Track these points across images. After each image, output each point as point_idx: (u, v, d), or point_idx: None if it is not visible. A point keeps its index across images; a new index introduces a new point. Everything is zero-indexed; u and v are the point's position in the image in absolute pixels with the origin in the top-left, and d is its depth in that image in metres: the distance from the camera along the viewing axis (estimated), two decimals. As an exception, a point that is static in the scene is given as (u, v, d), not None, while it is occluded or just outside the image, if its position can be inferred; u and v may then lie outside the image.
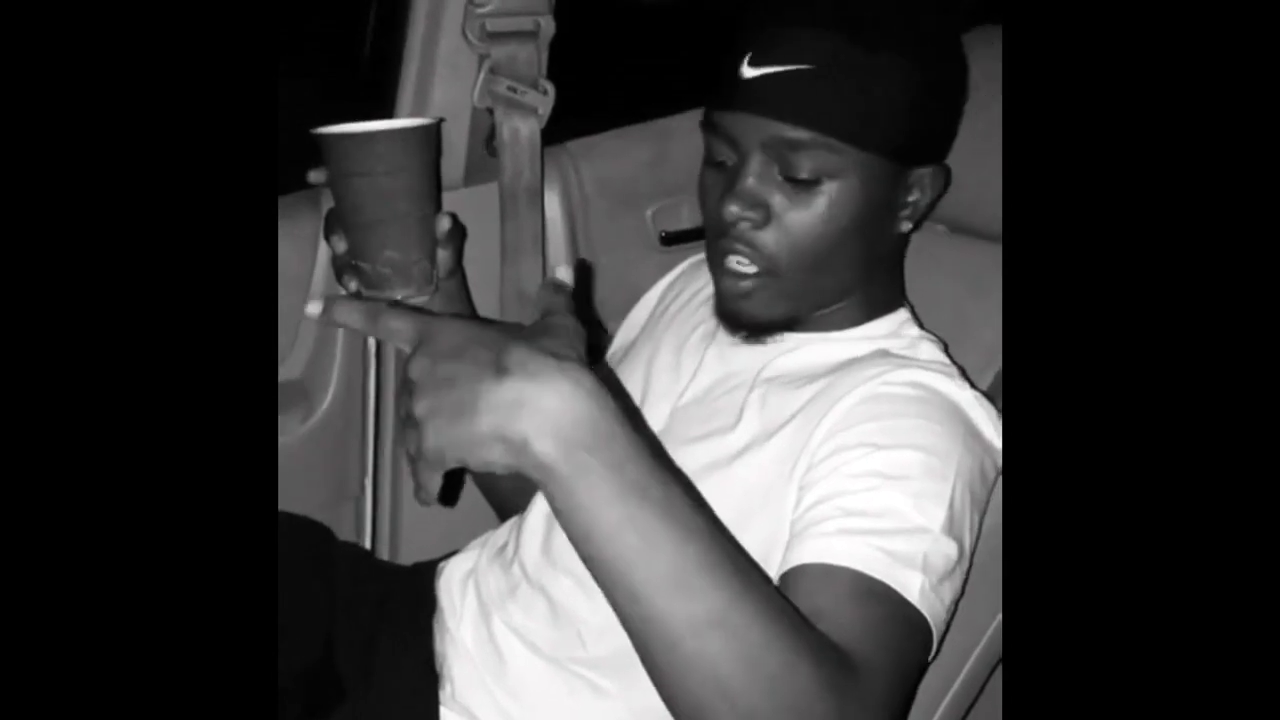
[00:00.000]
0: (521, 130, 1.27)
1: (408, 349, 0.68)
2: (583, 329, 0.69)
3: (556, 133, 1.33)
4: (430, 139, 0.95)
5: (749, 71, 0.90)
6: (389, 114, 1.29)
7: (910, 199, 0.97)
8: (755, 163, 0.91)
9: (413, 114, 1.27)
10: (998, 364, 1.11)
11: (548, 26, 1.26)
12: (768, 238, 0.93)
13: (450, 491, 0.70)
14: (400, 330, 0.69)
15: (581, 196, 1.43)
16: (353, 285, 0.97)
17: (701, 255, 1.20)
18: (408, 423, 0.66)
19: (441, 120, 1.02)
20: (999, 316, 1.11)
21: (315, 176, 0.99)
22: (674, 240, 1.49)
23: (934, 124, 0.98)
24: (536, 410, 0.62)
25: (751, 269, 0.94)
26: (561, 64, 1.28)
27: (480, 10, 1.22)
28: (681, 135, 1.48)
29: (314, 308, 0.72)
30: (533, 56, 1.26)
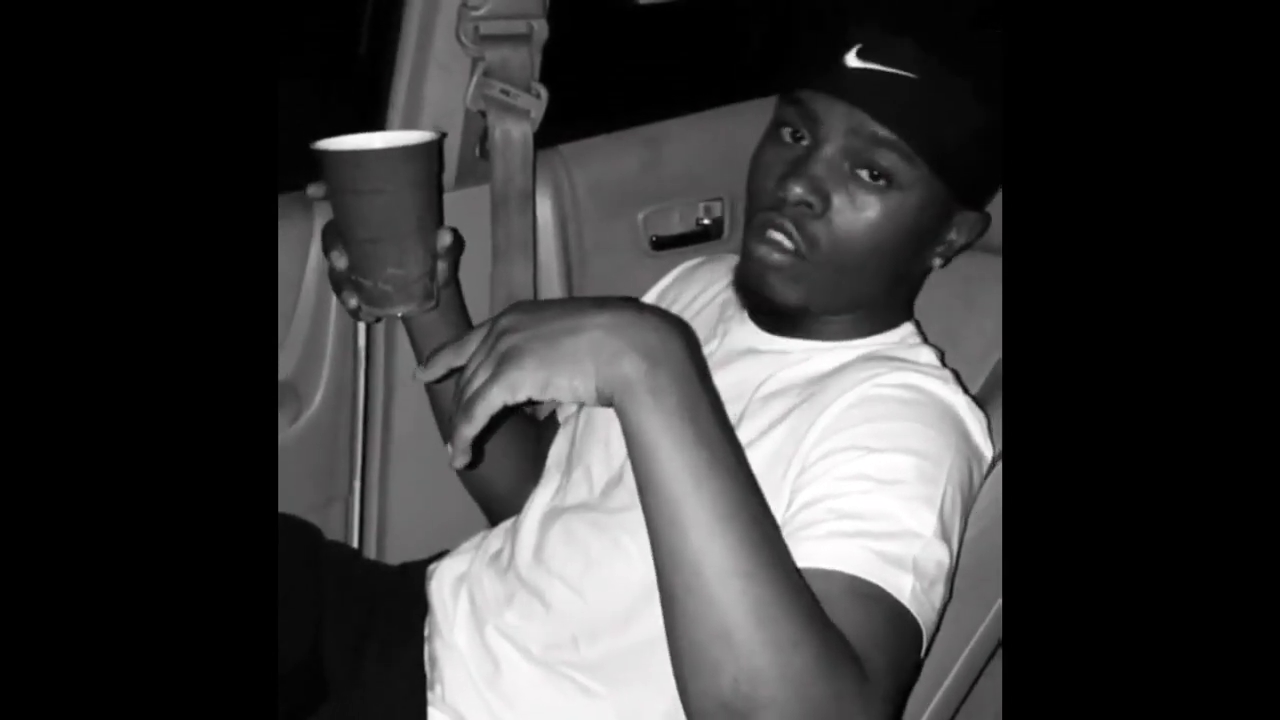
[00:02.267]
0: (514, 133, 1.27)
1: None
2: None
3: (549, 136, 1.33)
4: (431, 154, 0.95)
5: (855, 62, 0.90)
6: (382, 116, 1.28)
7: (950, 236, 0.98)
8: (831, 150, 0.92)
9: (406, 116, 1.27)
10: (986, 370, 1.12)
11: (541, 30, 1.26)
12: (818, 228, 0.93)
13: (478, 451, 0.76)
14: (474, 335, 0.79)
15: (573, 200, 1.43)
16: (352, 302, 0.97)
17: (695, 261, 1.21)
18: (480, 361, 0.75)
19: (443, 135, 1.01)
20: (988, 326, 1.12)
21: (314, 191, 0.98)
22: (665, 245, 1.49)
23: (992, 169, 0.98)
24: (634, 332, 0.73)
25: (789, 245, 0.94)
26: (554, 68, 1.28)
27: (474, 13, 1.22)
28: (674, 140, 1.48)
29: (460, 461, 0.77)
30: (526, 60, 1.26)
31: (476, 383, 0.74)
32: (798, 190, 0.91)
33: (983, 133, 0.92)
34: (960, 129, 0.91)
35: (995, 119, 0.92)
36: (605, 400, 0.73)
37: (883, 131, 0.90)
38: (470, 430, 0.74)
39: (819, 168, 0.92)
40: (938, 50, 0.90)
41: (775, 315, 1.00)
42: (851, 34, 0.92)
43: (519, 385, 0.73)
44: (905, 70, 0.90)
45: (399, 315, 0.98)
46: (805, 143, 0.94)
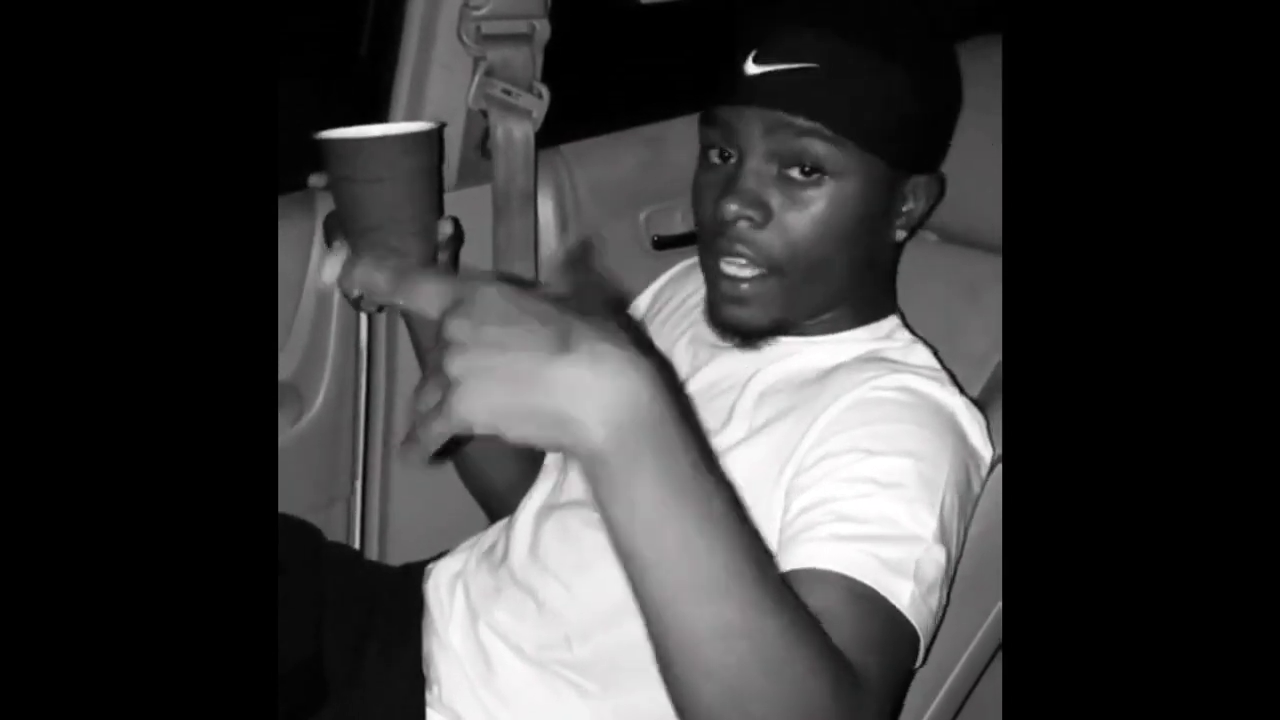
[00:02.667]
0: (515, 133, 1.27)
1: (435, 315, 0.62)
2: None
3: (550, 136, 1.33)
4: (432, 144, 0.95)
5: (753, 68, 0.91)
6: (384, 116, 1.28)
7: (906, 207, 0.98)
8: (755, 160, 0.92)
9: (408, 116, 1.27)
10: (988, 373, 1.12)
11: (543, 30, 1.26)
12: (767, 237, 0.92)
13: (445, 453, 0.67)
14: (434, 292, 0.63)
15: (574, 200, 1.43)
16: (355, 292, 0.97)
17: (691, 260, 1.21)
18: (434, 378, 0.62)
19: (443, 125, 1.01)
20: (990, 325, 1.12)
21: (315, 180, 0.99)
22: (666, 245, 1.49)
23: (930, 132, 0.99)
24: (599, 396, 0.59)
25: (749, 272, 0.94)
26: (556, 67, 1.28)
27: (475, 13, 1.22)
28: (675, 140, 1.48)
29: (330, 272, 0.71)
30: (528, 59, 1.26)
31: (427, 402, 0.62)
32: (733, 207, 0.91)
33: (908, 96, 0.92)
34: (880, 100, 0.91)
35: (917, 78, 0.92)
36: (572, 460, 0.66)
37: (799, 122, 0.90)
38: (422, 453, 0.62)
39: (749, 180, 0.92)
40: (841, 32, 0.91)
41: (754, 334, 0.99)
42: (747, 39, 0.92)
43: (468, 424, 0.60)
44: (804, 62, 0.90)
45: (400, 305, 0.98)
46: (732, 159, 0.94)
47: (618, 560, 0.64)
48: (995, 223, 1.01)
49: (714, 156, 0.96)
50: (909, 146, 0.95)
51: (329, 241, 0.98)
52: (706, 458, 0.64)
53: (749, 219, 0.92)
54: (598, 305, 0.67)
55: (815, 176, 0.91)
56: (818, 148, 0.90)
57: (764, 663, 0.64)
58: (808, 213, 0.92)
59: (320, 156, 0.95)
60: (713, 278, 0.97)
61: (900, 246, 1.02)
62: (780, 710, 0.65)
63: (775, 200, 0.92)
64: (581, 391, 0.59)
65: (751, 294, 0.95)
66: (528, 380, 0.59)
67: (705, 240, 0.97)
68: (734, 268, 0.94)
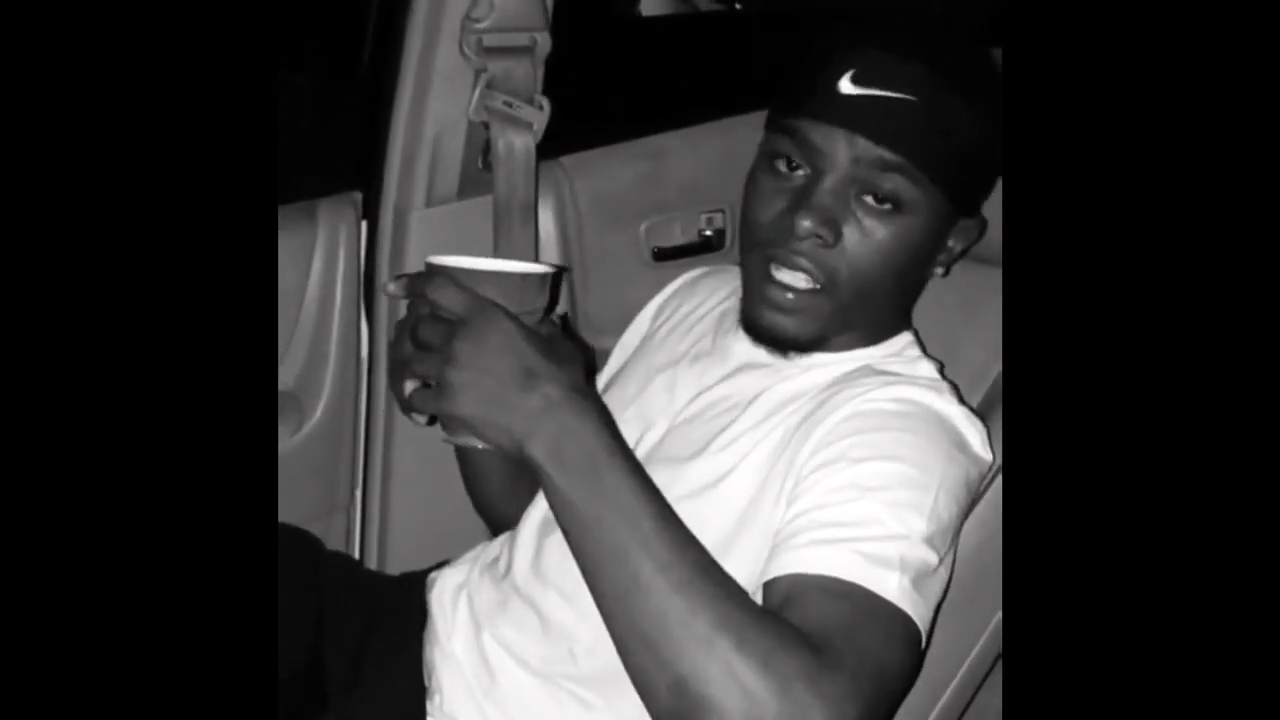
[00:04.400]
0: (516, 145, 1.27)
1: (449, 306, 0.82)
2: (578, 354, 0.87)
3: (551, 148, 1.33)
4: (541, 288, 0.88)
5: (850, 89, 0.89)
6: (385, 128, 1.29)
7: (950, 245, 0.98)
8: (834, 180, 0.91)
9: (409, 128, 1.28)
10: (987, 383, 1.12)
11: (544, 43, 1.27)
12: (831, 258, 0.91)
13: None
14: (455, 301, 0.82)
15: (575, 211, 1.43)
16: (409, 386, 0.86)
17: (697, 272, 1.21)
18: (426, 366, 0.82)
19: (562, 269, 0.96)
20: (990, 338, 1.12)
21: (394, 290, 0.89)
22: (667, 256, 1.49)
23: (989, 175, 0.99)
24: (544, 425, 0.80)
25: (803, 284, 0.93)
26: (557, 80, 1.28)
27: (477, 25, 1.22)
28: (675, 152, 1.49)
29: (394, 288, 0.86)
30: (529, 72, 1.26)
31: (413, 385, 0.84)
32: (807, 224, 0.90)
33: (979, 143, 0.92)
34: (959, 144, 0.91)
35: (988, 127, 0.92)
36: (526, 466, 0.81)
37: (888, 155, 0.89)
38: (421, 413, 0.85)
39: (826, 198, 0.90)
40: (933, 67, 0.90)
41: (790, 345, 0.98)
42: (843, 59, 0.91)
43: (451, 419, 0.82)
44: (903, 93, 0.89)
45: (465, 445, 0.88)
46: (803, 172, 0.92)
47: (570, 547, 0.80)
48: (991, 235, 1.01)
49: (781, 165, 0.94)
50: (969, 189, 0.96)
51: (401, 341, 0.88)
52: (635, 473, 0.80)
53: (821, 237, 0.90)
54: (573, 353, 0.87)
55: (889, 207, 0.91)
56: (899, 181, 0.90)
57: (672, 615, 0.75)
58: (874, 241, 0.91)
59: (423, 278, 0.85)
60: (759, 280, 0.95)
61: (928, 279, 1.03)
62: (702, 671, 0.73)
63: (847, 224, 0.91)
64: (533, 419, 0.80)
65: (799, 305, 0.94)
66: (499, 403, 0.80)
67: (758, 243, 0.95)
68: (790, 277, 0.93)
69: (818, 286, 0.93)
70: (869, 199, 0.91)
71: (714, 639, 0.73)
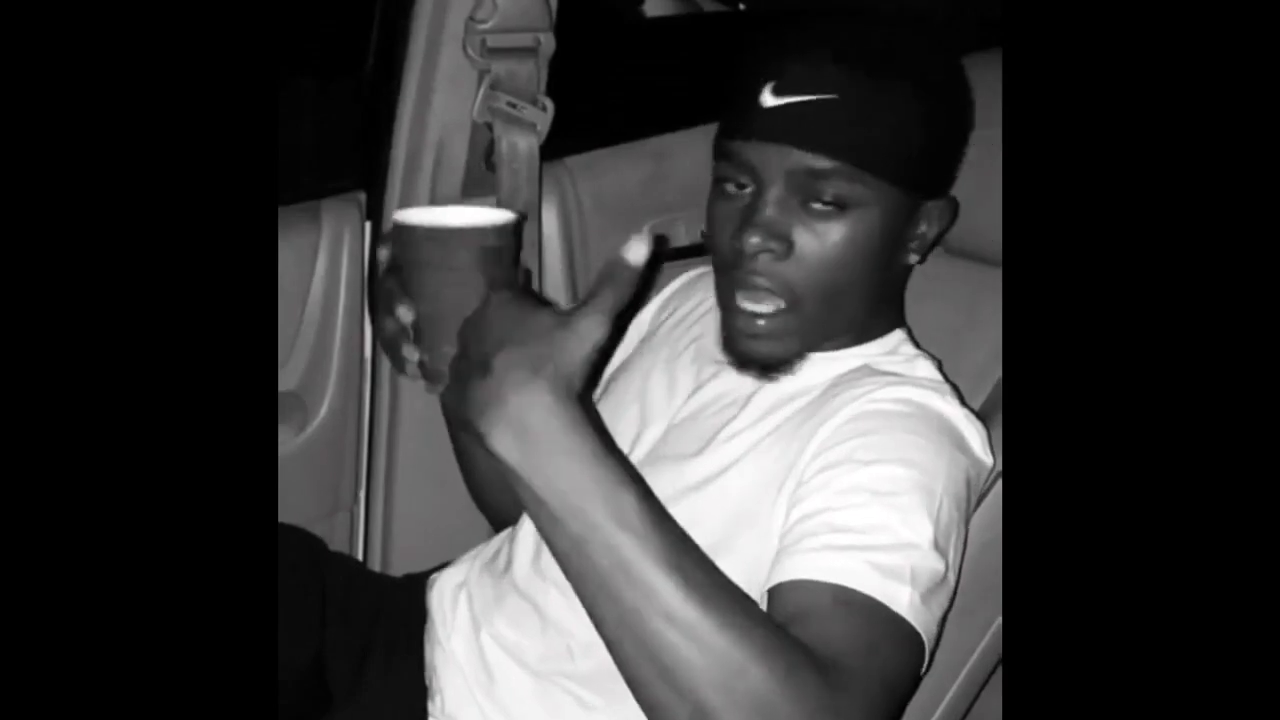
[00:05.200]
0: (520, 145, 1.28)
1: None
2: (603, 329, 0.75)
3: (554, 149, 1.33)
4: (507, 236, 0.90)
5: (771, 100, 0.90)
6: (389, 128, 1.29)
7: (920, 231, 0.98)
8: (775, 192, 0.90)
9: (413, 128, 1.28)
10: (989, 386, 1.12)
11: (548, 43, 1.27)
12: (788, 269, 0.92)
13: None
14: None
15: (578, 212, 1.43)
16: (415, 355, 0.89)
17: (697, 271, 1.21)
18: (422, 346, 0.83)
19: (523, 217, 0.97)
20: (991, 338, 1.12)
21: (383, 254, 0.92)
22: (669, 257, 1.49)
23: (945, 157, 0.99)
24: (498, 414, 0.72)
25: (768, 307, 0.93)
26: (560, 81, 1.28)
27: (480, 26, 1.23)
28: (678, 153, 1.49)
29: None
30: (532, 73, 1.26)
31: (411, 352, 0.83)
32: (754, 240, 0.90)
33: (922, 123, 0.92)
34: (900, 130, 0.91)
35: (930, 105, 0.92)
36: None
37: (820, 163, 0.89)
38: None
39: (770, 211, 0.90)
40: (851, 61, 0.90)
41: (772, 368, 0.98)
42: (762, 72, 0.91)
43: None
44: (823, 93, 0.89)
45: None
46: (749, 189, 0.93)
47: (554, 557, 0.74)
48: (993, 236, 1.01)
49: (729, 187, 0.94)
50: (924, 173, 0.95)
51: (392, 309, 0.89)
52: (615, 460, 0.74)
53: (770, 251, 0.91)
54: (587, 324, 0.75)
55: (834, 209, 0.91)
56: (840, 184, 0.89)
57: (692, 643, 0.69)
58: (828, 243, 0.91)
59: (397, 237, 0.89)
60: (729, 310, 0.96)
61: (910, 268, 1.03)
62: (723, 694, 0.69)
63: (796, 232, 0.91)
64: (487, 408, 0.73)
65: (769, 330, 0.94)
66: (465, 398, 0.75)
67: (723, 271, 0.96)
68: (752, 303, 0.93)
69: (783, 304, 0.93)
70: (815, 205, 0.90)
71: (744, 666, 0.69)
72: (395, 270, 0.87)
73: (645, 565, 0.70)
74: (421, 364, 0.91)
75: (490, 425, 0.72)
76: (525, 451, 0.72)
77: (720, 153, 0.95)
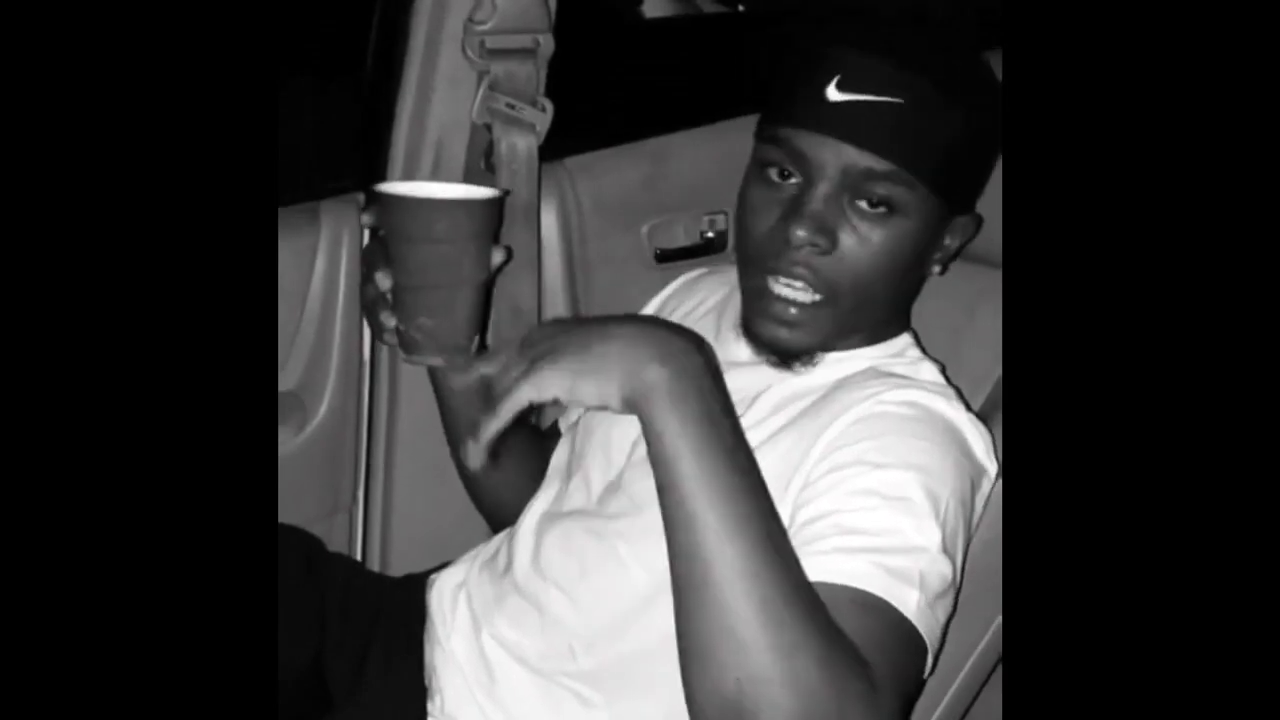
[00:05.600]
0: (519, 146, 1.27)
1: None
2: None
3: (553, 149, 1.33)
4: (489, 213, 0.92)
5: (836, 95, 0.89)
6: (388, 129, 1.29)
7: (946, 243, 0.98)
8: (826, 187, 0.90)
9: (412, 129, 1.28)
10: (988, 387, 1.12)
11: (546, 44, 1.27)
12: (828, 265, 0.91)
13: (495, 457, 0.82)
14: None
15: (578, 213, 1.43)
16: (391, 322, 0.94)
17: (696, 273, 1.21)
18: (512, 367, 0.81)
19: (506, 193, 0.97)
20: (990, 340, 1.12)
21: (367, 219, 0.97)
22: (669, 258, 1.49)
23: (982, 173, 0.99)
24: (659, 342, 0.78)
25: (805, 297, 0.93)
26: (560, 82, 1.28)
27: (479, 27, 1.23)
28: (677, 154, 1.49)
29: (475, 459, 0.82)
30: (531, 74, 1.26)
31: (506, 382, 0.79)
32: (802, 233, 0.90)
33: (968, 140, 0.92)
34: (948, 143, 0.91)
35: (977, 122, 0.92)
36: (629, 406, 0.77)
37: (878, 164, 0.89)
38: (496, 425, 0.79)
39: (819, 205, 0.90)
40: (917, 67, 0.89)
41: (794, 356, 0.99)
42: (828, 64, 0.90)
43: (546, 385, 0.77)
44: (889, 96, 0.89)
45: (426, 365, 0.96)
46: (795, 180, 0.92)
47: (660, 496, 0.77)
48: (992, 238, 1.01)
49: (773, 174, 0.93)
50: (961, 188, 0.96)
51: (372, 273, 0.93)
52: (739, 425, 0.80)
53: (817, 245, 0.90)
54: None
55: (882, 211, 0.91)
56: (891, 187, 0.90)
57: (765, 611, 0.72)
58: (870, 245, 0.91)
59: (379, 208, 0.92)
60: (759, 293, 0.95)
61: (925, 278, 1.03)
62: (775, 665, 0.71)
63: (842, 230, 0.91)
64: (644, 337, 0.78)
65: (801, 319, 0.94)
66: (600, 337, 0.78)
67: (756, 255, 0.95)
68: (790, 290, 0.93)
69: (819, 298, 0.93)
70: (862, 204, 0.91)
71: (802, 647, 0.72)
72: (382, 237, 0.88)
73: (749, 522, 0.75)
74: (398, 331, 0.93)
75: (651, 351, 0.77)
76: (682, 380, 0.76)
77: (768, 138, 0.94)
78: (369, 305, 0.96)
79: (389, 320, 0.94)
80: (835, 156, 0.90)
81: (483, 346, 0.97)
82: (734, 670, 0.72)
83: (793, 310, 0.94)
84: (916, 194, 0.91)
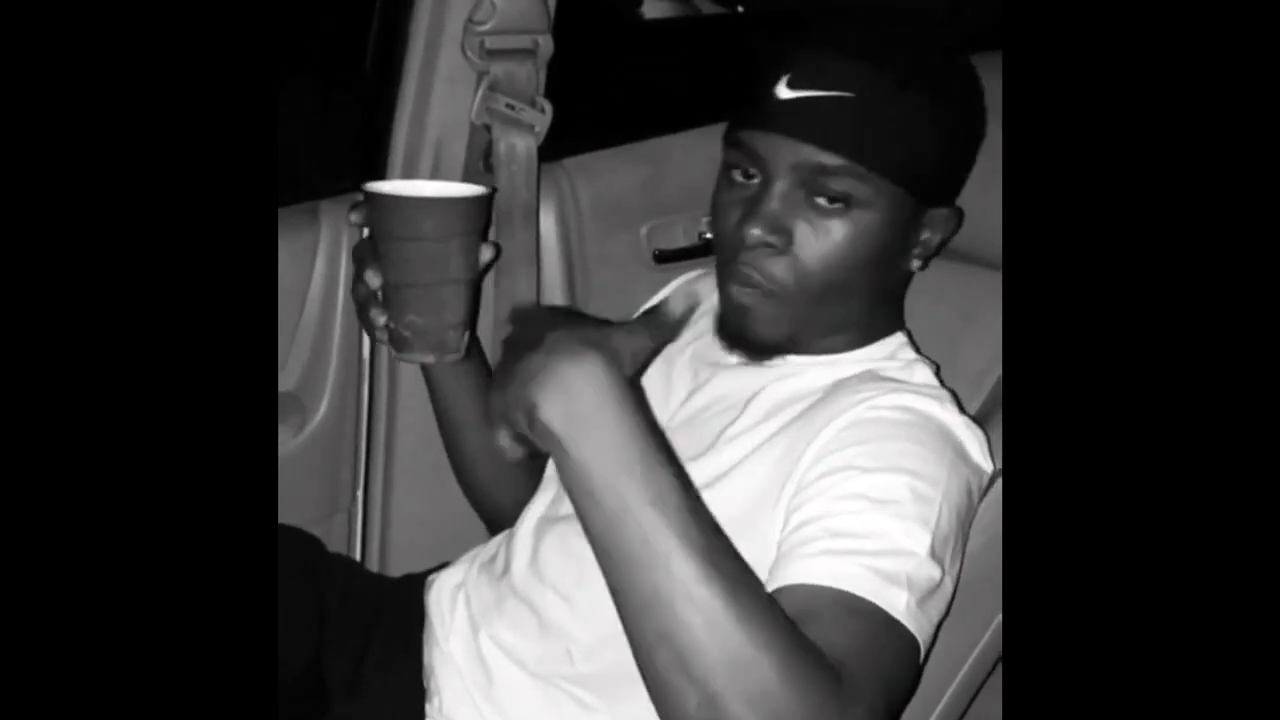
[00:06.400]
0: (518, 147, 1.27)
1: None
2: (648, 342, 0.81)
3: (553, 150, 1.33)
4: (474, 211, 0.93)
5: (786, 93, 0.90)
6: (388, 129, 1.29)
7: (924, 237, 0.98)
8: (782, 185, 0.91)
9: (411, 130, 1.28)
10: (986, 389, 1.12)
11: (546, 45, 1.27)
12: (784, 264, 0.92)
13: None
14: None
15: (576, 214, 1.43)
16: (381, 320, 0.95)
17: (693, 274, 1.21)
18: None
19: (493, 191, 0.97)
20: (989, 342, 1.12)
21: (355, 218, 0.97)
22: (667, 259, 1.49)
23: (955, 167, 0.99)
24: (549, 381, 0.73)
25: (759, 295, 0.93)
26: (559, 82, 1.28)
27: (479, 28, 1.23)
28: (676, 155, 1.49)
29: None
30: (531, 74, 1.26)
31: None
32: (756, 232, 0.90)
33: (938, 132, 0.92)
34: (911, 133, 0.91)
35: (941, 111, 0.92)
36: (543, 446, 0.75)
37: (829, 159, 0.89)
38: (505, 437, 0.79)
39: (774, 204, 0.91)
40: (872, 61, 0.90)
41: (762, 350, 0.99)
42: (779, 63, 0.91)
43: (502, 419, 0.77)
44: (839, 90, 0.89)
45: (415, 361, 0.97)
46: (756, 180, 0.93)
47: (585, 533, 0.74)
48: (990, 239, 1.01)
49: (737, 175, 0.94)
50: (932, 180, 0.95)
51: (361, 271, 0.95)
52: (654, 441, 0.74)
53: (771, 245, 0.91)
54: (636, 335, 0.81)
55: (840, 206, 0.91)
56: (847, 182, 0.89)
57: (708, 629, 0.69)
58: (829, 240, 0.91)
59: (367, 207, 0.93)
60: (724, 295, 0.97)
61: (912, 274, 1.03)
62: (732, 683, 0.68)
63: (798, 227, 0.91)
64: (535, 379, 0.73)
65: (759, 311, 0.94)
66: (515, 378, 0.74)
67: (723, 259, 0.96)
68: (744, 295, 0.94)
69: (774, 291, 0.93)
70: (820, 200, 0.91)
71: (758, 659, 0.69)
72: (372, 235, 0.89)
73: (674, 547, 0.70)
74: (388, 328, 0.94)
75: (540, 390, 0.72)
76: (571, 420, 0.72)
77: (731, 141, 0.95)
78: (361, 303, 0.98)
79: (379, 318, 0.95)
80: (789, 154, 0.90)
81: (473, 342, 0.98)
82: (691, 694, 0.69)
83: (747, 298, 0.94)
84: (876, 187, 0.90)
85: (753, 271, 0.92)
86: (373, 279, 0.94)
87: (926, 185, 0.94)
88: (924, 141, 0.91)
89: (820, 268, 0.92)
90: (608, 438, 0.72)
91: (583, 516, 0.74)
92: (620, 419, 0.73)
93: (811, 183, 0.90)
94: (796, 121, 0.89)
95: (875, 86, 0.89)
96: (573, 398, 0.72)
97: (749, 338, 0.97)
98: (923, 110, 0.91)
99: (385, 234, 0.91)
